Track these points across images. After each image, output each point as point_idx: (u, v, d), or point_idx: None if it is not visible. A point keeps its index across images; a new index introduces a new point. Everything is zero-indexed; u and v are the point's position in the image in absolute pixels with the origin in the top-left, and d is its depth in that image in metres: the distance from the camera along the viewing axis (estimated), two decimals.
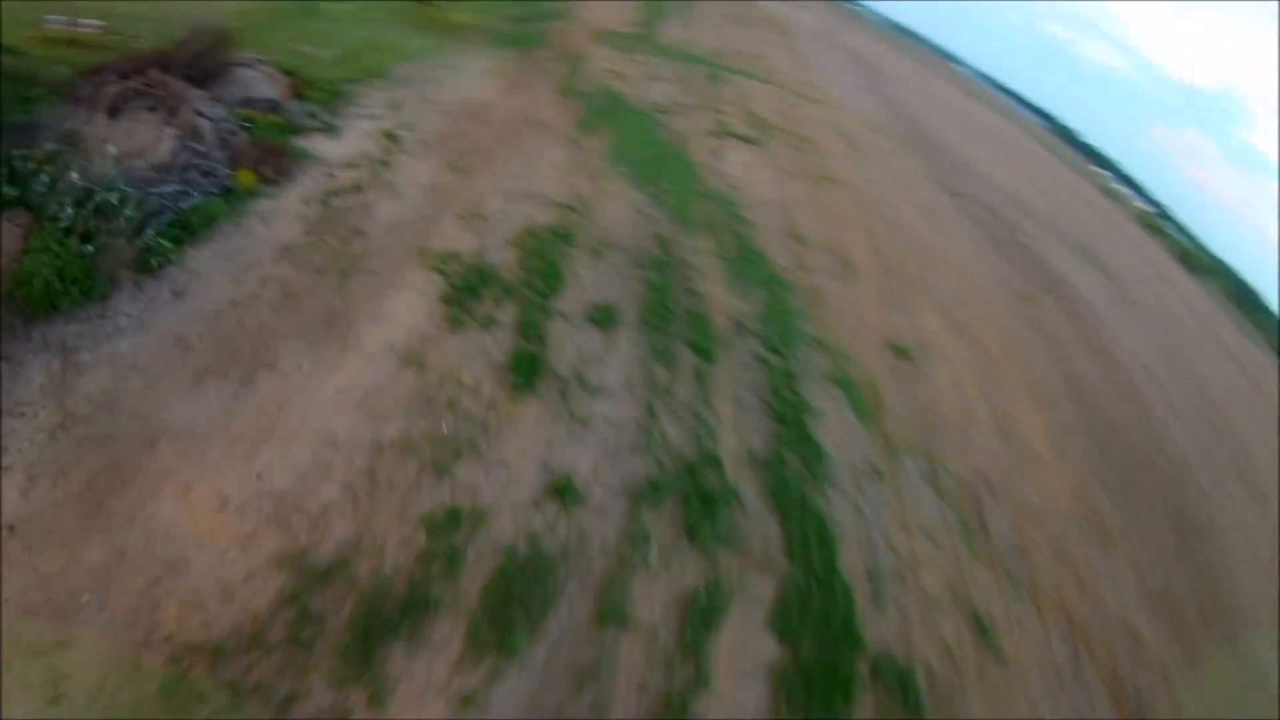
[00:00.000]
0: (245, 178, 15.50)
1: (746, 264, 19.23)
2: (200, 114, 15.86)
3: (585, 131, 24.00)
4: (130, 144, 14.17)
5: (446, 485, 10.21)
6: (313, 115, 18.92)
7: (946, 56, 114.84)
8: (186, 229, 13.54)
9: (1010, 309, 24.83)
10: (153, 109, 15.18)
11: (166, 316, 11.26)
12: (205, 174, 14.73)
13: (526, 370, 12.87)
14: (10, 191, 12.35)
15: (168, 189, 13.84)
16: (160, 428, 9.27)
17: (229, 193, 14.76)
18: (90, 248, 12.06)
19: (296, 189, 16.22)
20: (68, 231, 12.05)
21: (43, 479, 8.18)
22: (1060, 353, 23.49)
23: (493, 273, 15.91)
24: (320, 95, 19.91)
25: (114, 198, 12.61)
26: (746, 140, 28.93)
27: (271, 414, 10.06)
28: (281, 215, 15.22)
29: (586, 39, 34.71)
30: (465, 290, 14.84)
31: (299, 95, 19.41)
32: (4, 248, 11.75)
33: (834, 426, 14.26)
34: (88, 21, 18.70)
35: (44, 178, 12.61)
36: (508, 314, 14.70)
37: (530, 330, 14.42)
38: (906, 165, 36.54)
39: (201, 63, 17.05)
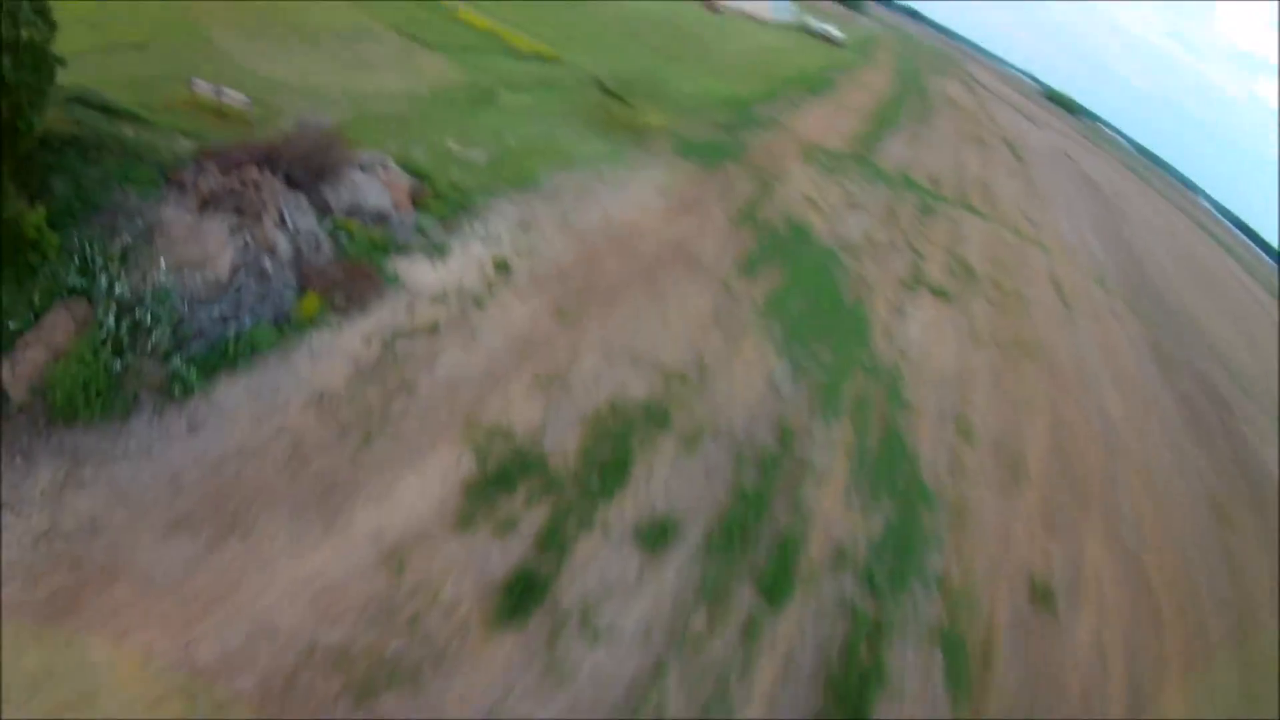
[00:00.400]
0: (309, 305, 16.35)
1: (885, 466, 18.03)
2: (284, 222, 17.45)
3: (745, 273, 23.69)
4: (196, 252, 16.27)
5: (364, 714, 9.85)
6: (423, 232, 19.60)
7: (1187, 185, 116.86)
8: (224, 357, 14.87)
9: (1199, 529, 22.69)
10: (238, 211, 16.99)
11: (172, 452, 12.61)
12: (264, 297, 16.20)
13: (521, 595, 12.29)
14: (78, 282, 14.77)
15: (216, 311, 15.48)
16: (125, 567, 10.83)
17: (285, 319, 15.97)
18: (120, 364, 13.78)
19: (365, 322, 17.17)
20: (104, 342, 13.94)
21: (16, 580, 10.18)
22: (1250, 601, 19.71)
23: (540, 461, 15.27)
24: (442, 207, 20.79)
25: (155, 315, 14.84)
26: (940, 294, 28.62)
27: (226, 584, 10.91)
28: (333, 353, 16.14)
29: (791, 154, 35.28)
30: (497, 480, 14.50)
31: (419, 204, 20.43)
32: (51, 340, 14.02)
33: (909, 706, 12.54)
34: (234, 94, 21.43)
35: (106, 277, 15.12)
36: (535, 518, 14.04)
37: (552, 543, 13.58)
38: (1122, 329, 35.55)
39: (311, 161, 18.81)
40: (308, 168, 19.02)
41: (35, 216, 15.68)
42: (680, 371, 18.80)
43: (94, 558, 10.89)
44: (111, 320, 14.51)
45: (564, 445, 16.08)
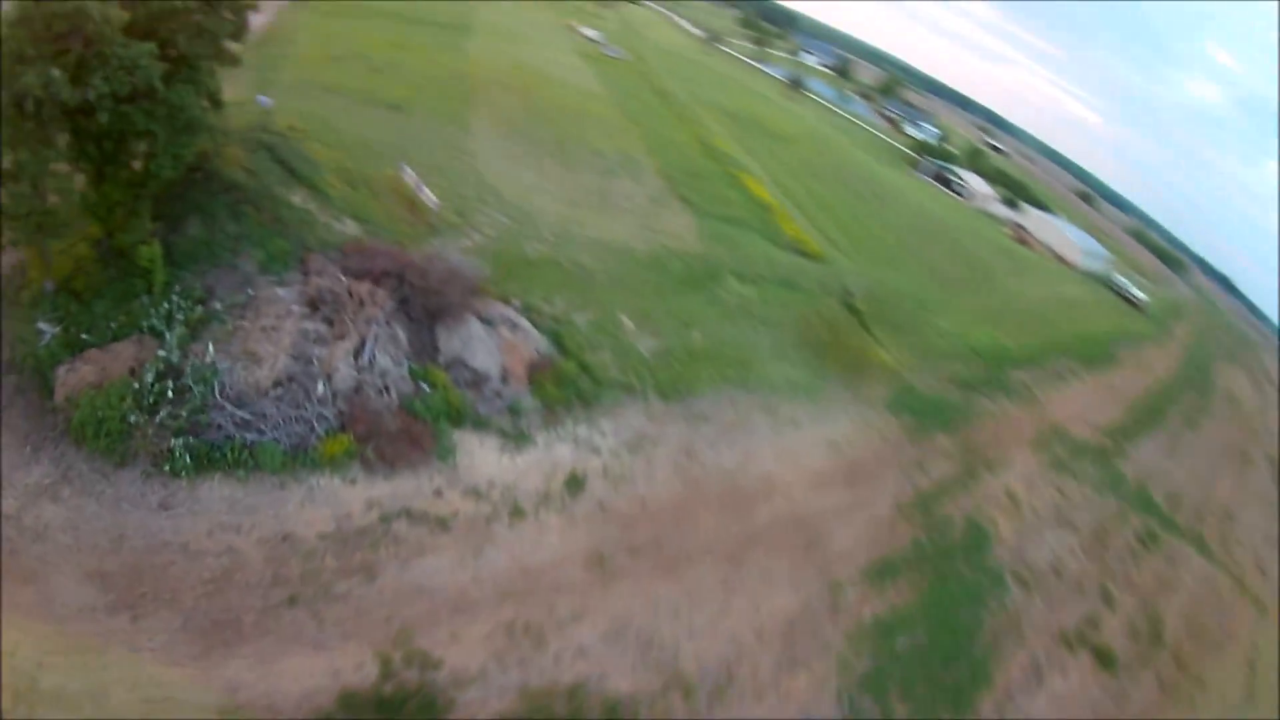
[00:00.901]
0: (333, 446, 16.40)
1: None
2: (360, 353, 18.19)
3: (871, 581, 20.18)
4: (263, 346, 17.29)
5: None
6: (515, 411, 18.86)
7: None
8: (223, 459, 15.47)
9: None
10: (328, 322, 18.14)
11: (134, 515, 14.57)
12: (294, 419, 16.55)
13: None
14: (158, 325, 16.60)
15: (242, 413, 16.12)
16: (41, 580, 13.20)
17: (303, 450, 16.27)
18: (135, 418, 14.74)
19: (381, 485, 16.71)
20: (135, 392, 15.23)
21: None
22: None
23: (442, 708, 13.88)
24: (557, 391, 19.89)
25: (188, 390, 16.03)
26: (1105, 661, 22.98)
27: (91, 646, 12.60)
28: (328, 502, 15.87)
29: (1024, 437, 32.10)
30: (382, 705, 13.75)
31: (534, 379, 20.02)
32: (106, 366, 15.60)
33: None
34: (429, 194, 24.25)
35: (175, 335, 16.66)
36: None
37: None
38: None
39: (437, 296, 20.02)
40: (430, 302, 20.15)
41: (151, 250, 17.63)
42: (690, 682, 15.74)
43: (26, 558, 13.46)
44: (151, 377, 15.99)
45: (482, 707, 14.00)
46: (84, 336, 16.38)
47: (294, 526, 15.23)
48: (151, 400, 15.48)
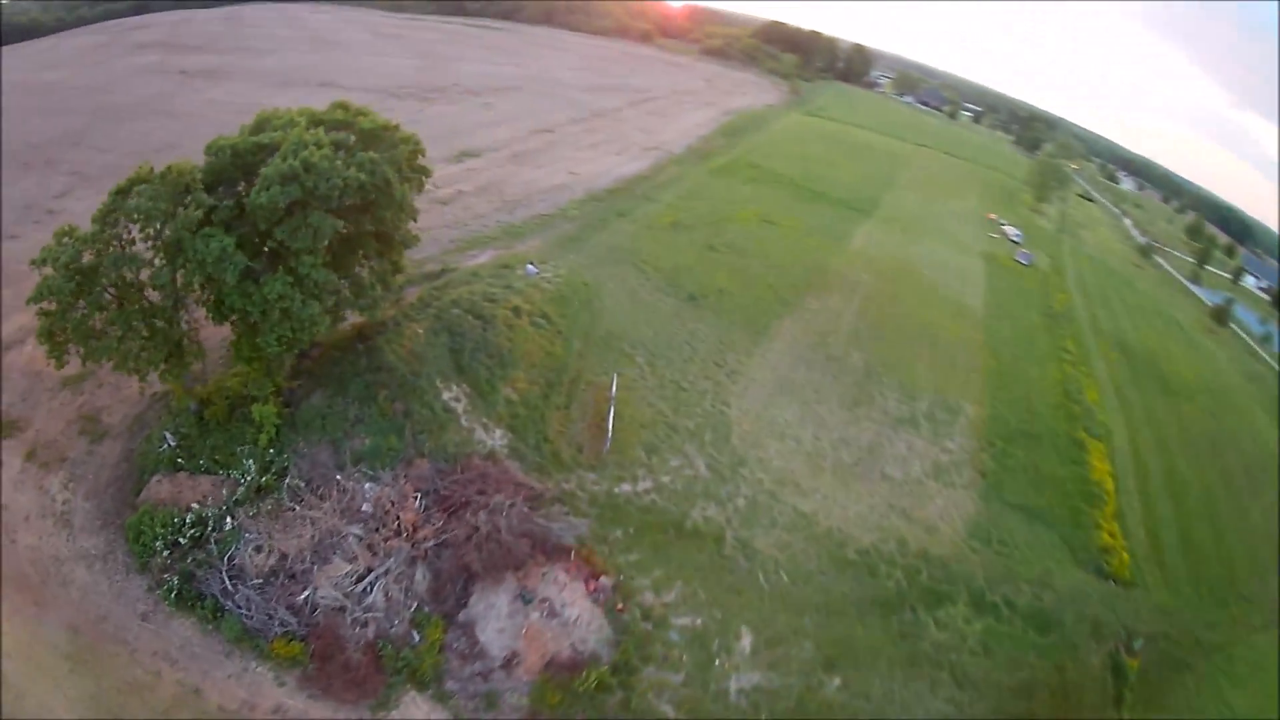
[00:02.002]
0: (283, 648, 18.24)
1: None
2: (366, 584, 19.79)
3: None
4: (289, 541, 19.76)
5: None
6: (489, 702, 19.35)
7: None
8: (198, 608, 18.48)
9: None
10: (367, 546, 20.50)
11: (117, 609, 18.71)
12: (264, 612, 18.68)
13: None
14: (238, 475, 20.84)
15: (228, 583, 18.77)
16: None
17: (262, 638, 18.39)
18: (159, 545, 18.97)
19: (303, 702, 17.59)
20: (175, 523, 19.30)
21: None
22: None
23: None
24: (562, 701, 19.32)
25: (210, 544, 19.35)
26: None
27: None
28: (248, 689, 17.59)
29: None
30: None
31: (549, 676, 20.04)
32: (175, 492, 20.03)
33: None
34: (611, 422, 27.10)
35: (237, 494, 20.50)
36: None
37: None
38: None
39: (494, 551, 21.03)
40: (482, 554, 20.90)
41: (262, 409, 22.30)
42: None
43: (42, 588, 18.78)
44: (191, 519, 19.89)
45: None
46: (179, 461, 21.77)
47: (209, 688, 17.95)
48: (181, 538, 19.72)
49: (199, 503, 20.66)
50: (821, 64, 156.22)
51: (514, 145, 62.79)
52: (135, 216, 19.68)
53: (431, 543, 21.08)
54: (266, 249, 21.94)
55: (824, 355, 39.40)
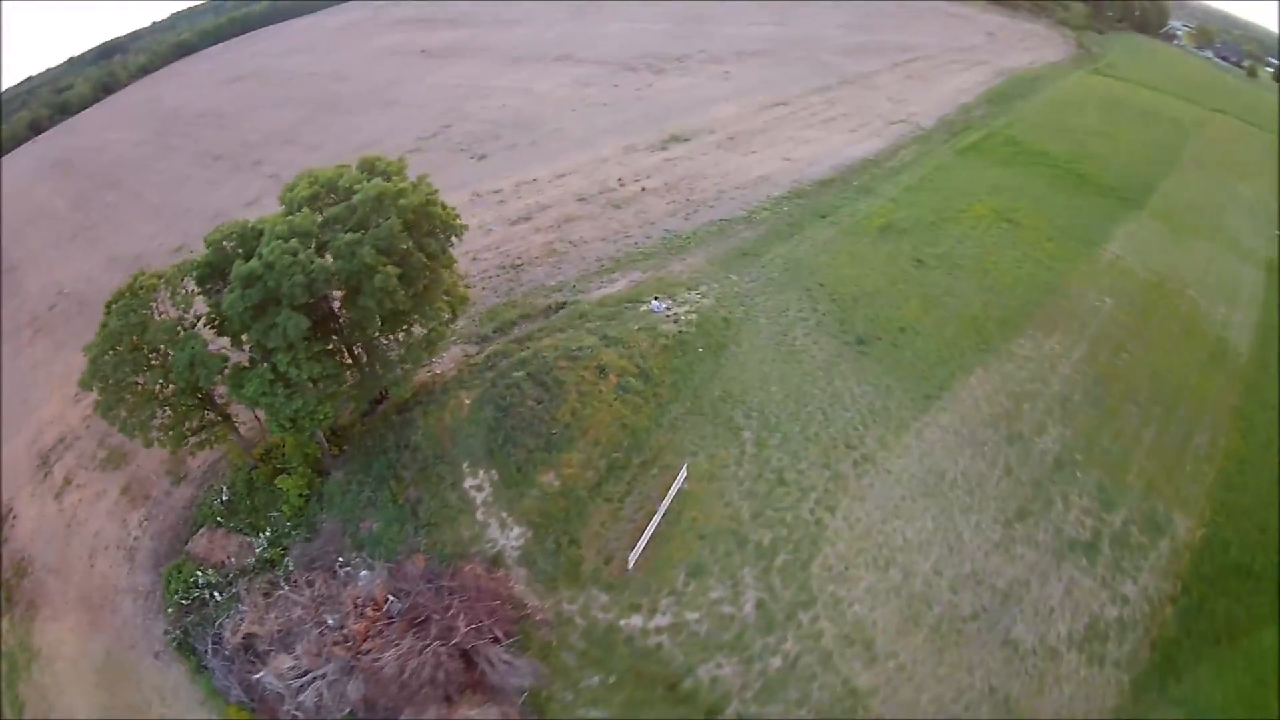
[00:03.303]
0: (235, 713, 21.33)
1: None
2: (303, 675, 21.52)
3: None
4: (266, 612, 22.54)
5: None
6: None
7: None
8: (192, 658, 22.94)
9: None
10: (342, 639, 22.01)
11: (137, 641, 24.46)
12: (232, 674, 22.08)
13: None
14: (260, 543, 24.52)
15: (215, 644, 22.49)
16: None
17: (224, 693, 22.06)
18: (178, 597, 23.98)
19: None
20: (193, 583, 24.13)
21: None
22: None
23: None
24: None
25: (215, 605, 23.62)
26: None
27: None
28: None
29: None
30: None
31: None
32: (216, 547, 24.32)
33: None
34: (641, 544, 25.36)
35: (248, 562, 24.07)
36: None
37: None
38: None
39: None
40: (406, 679, 21.40)
41: (293, 482, 25.47)
42: None
43: (74, 603, 26.29)
44: (205, 579, 24.38)
45: None
46: (220, 518, 25.98)
47: None
48: (194, 594, 24.03)
49: (226, 561, 24.85)
50: (1115, 13, 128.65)
51: (735, 124, 59.23)
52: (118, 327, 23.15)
53: (374, 656, 21.56)
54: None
55: (1005, 433, 30.63)
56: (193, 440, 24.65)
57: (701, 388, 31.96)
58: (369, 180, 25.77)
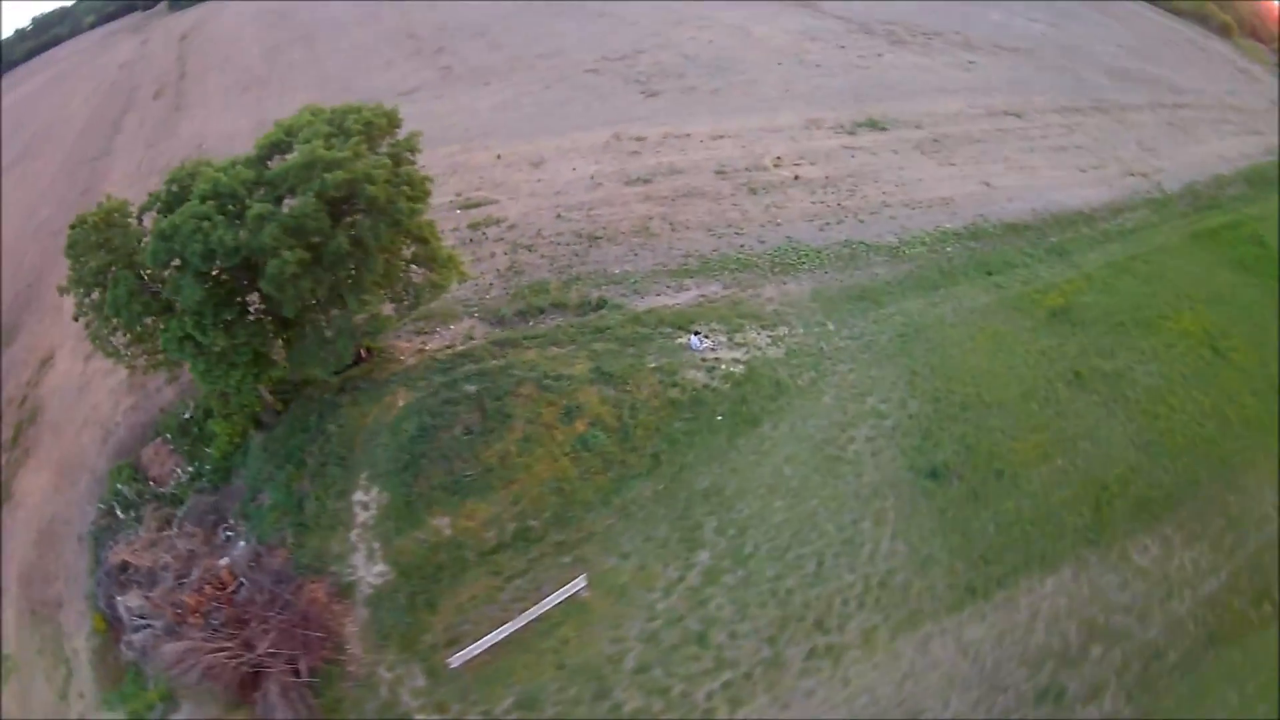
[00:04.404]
0: (97, 620, 24.85)
1: None
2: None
3: None
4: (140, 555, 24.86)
5: None
6: None
7: None
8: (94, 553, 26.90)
9: None
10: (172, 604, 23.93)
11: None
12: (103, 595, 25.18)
13: None
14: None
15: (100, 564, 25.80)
16: None
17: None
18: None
19: None
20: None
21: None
22: None
23: None
24: None
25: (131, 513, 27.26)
26: None
27: None
28: None
29: None
30: None
31: None
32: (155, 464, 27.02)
33: None
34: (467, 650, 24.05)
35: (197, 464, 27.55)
36: None
37: None
38: None
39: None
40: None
41: (226, 428, 27.88)
42: None
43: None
44: (132, 490, 28.66)
45: None
46: (169, 436, 29.16)
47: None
48: (118, 499, 27.90)
49: (160, 478, 27.61)
50: None
51: (949, 125, 48.62)
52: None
53: (188, 630, 22.80)
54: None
55: (1040, 682, 22.67)
56: (144, 362, 26.00)
57: (688, 471, 26.62)
58: (330, 138, 23.90)
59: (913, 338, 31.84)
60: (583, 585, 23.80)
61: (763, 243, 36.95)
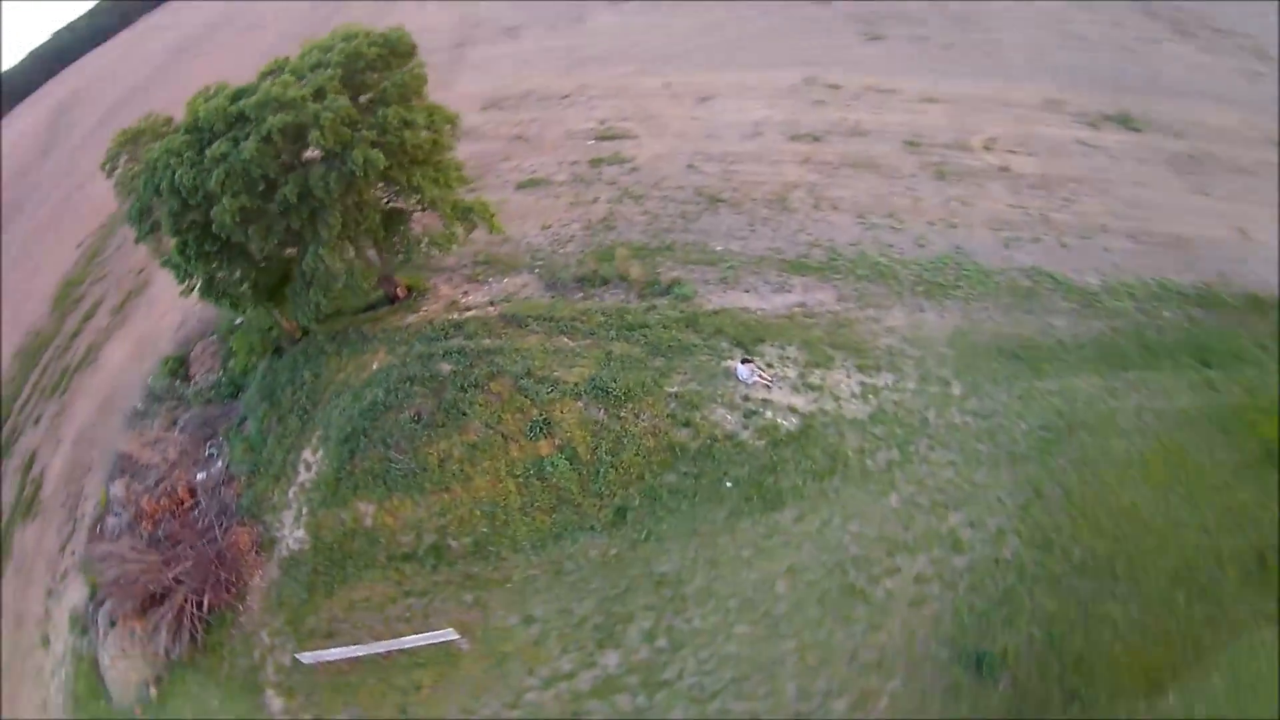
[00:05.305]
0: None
1: None
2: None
3: None
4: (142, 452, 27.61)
5: None
6: None
7: None
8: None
9: None
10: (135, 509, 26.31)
11: None
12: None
13: None
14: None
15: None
16: None
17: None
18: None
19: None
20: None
21: None
22: None
23: None
24: None
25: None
26: None
27: None
28: None
29: None
30: None
31: None
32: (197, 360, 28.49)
33: None
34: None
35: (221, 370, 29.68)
36: None
37: None
38: None
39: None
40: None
41: (244, 345, 30.09)
42: None
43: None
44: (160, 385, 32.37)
45: None
46: (218, 338, 31.69)
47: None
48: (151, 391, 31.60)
49: (193, 379, 30.19)
50: None
51: (1214, 141, 34.25)
52: None
53: (137, 534, 25.12)
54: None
55: None
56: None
57: (653, 544, 21.76)
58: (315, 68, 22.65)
59: (1061, 438, 21.95)
60: (454, 638, 20.90)
61: (921, 246, 28.40)
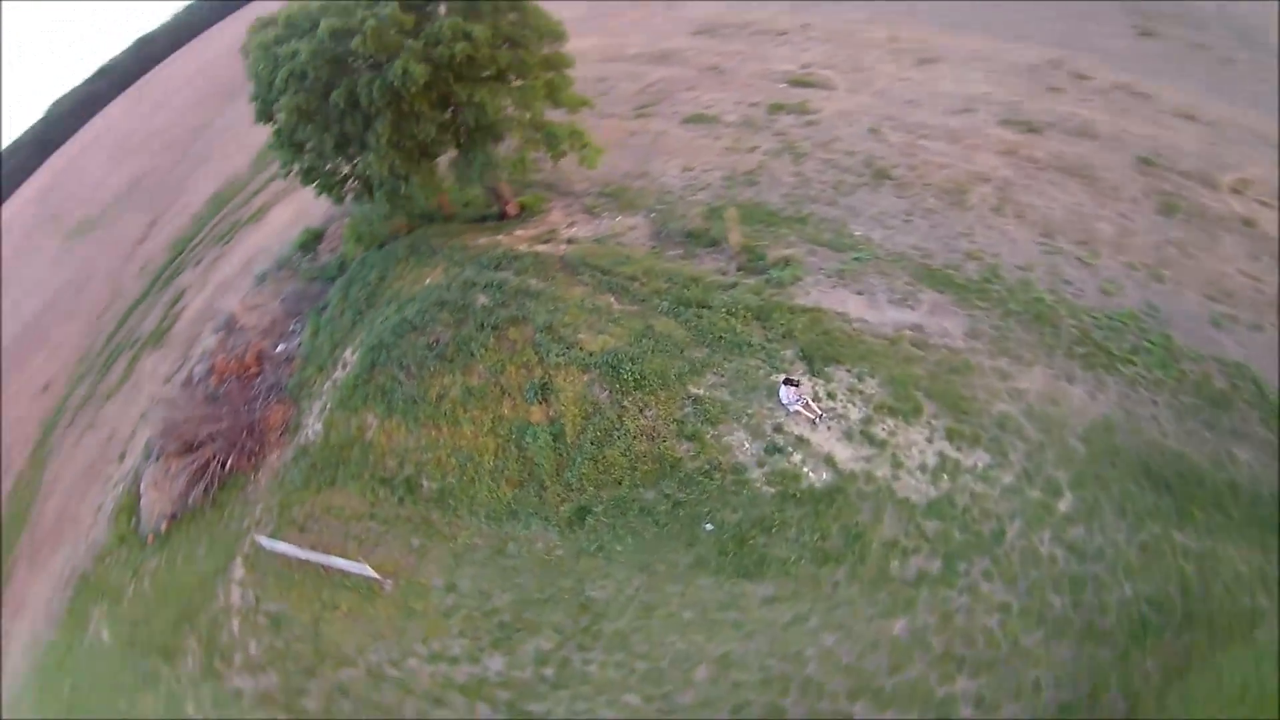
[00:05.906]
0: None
1: None
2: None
3: None
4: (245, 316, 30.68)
5: None
6: None
7: None
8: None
9: None
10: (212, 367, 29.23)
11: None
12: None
13: None
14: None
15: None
16: None
17: None
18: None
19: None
20: None
21: None
22: None
23: None
24: None
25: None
26: None
27: None
28: None
29: None
30: None
31: None
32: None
33: None
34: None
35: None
36: None
37: None
38: None
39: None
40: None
41: (354, 232, 31.42)
42: None
43: None
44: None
45: None
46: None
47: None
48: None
49: (317, 254, 32.54)
50: None
51: None
52: None
53: (201, 388, 28.27)
54: None
55: None
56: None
57: (596, 556, 19.34)
58: None
59: (1168, 628, 14.85)
60: (373, 576, 20.58)
61: (1107, 294, 21.06)
